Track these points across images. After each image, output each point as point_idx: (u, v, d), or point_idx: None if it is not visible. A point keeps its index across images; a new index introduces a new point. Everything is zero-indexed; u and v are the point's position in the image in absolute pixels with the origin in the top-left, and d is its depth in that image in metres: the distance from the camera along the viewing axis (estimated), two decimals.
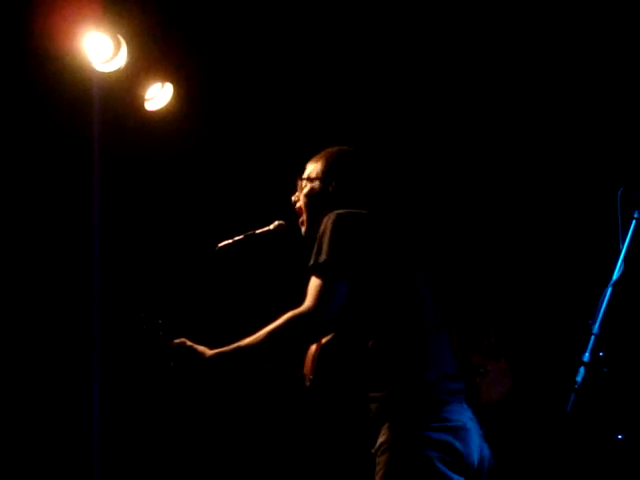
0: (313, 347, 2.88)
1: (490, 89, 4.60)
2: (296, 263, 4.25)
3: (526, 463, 3.86)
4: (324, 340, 2.79)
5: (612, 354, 2.76)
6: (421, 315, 2.70)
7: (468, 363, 3.97)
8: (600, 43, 4.31)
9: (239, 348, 2.65)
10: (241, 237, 3.06)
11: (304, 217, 2.95)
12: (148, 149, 4.60)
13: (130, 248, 4.68)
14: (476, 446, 2.64)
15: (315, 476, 4.36)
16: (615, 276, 2.81)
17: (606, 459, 3.73)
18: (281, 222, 3.07)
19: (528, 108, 4.55)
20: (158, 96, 4.36)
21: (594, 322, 2.78)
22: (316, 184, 2.92)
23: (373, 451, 2.62)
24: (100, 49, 4.07)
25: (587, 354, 2.76)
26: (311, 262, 2.65)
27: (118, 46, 4.08)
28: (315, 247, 2.66)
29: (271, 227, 3.07)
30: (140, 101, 4.32)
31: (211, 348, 2.74)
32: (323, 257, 2.61)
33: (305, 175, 2.96)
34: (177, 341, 2.75)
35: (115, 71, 4.15)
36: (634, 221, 2.84)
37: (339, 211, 2.70)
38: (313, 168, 2.95)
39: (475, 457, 2.63)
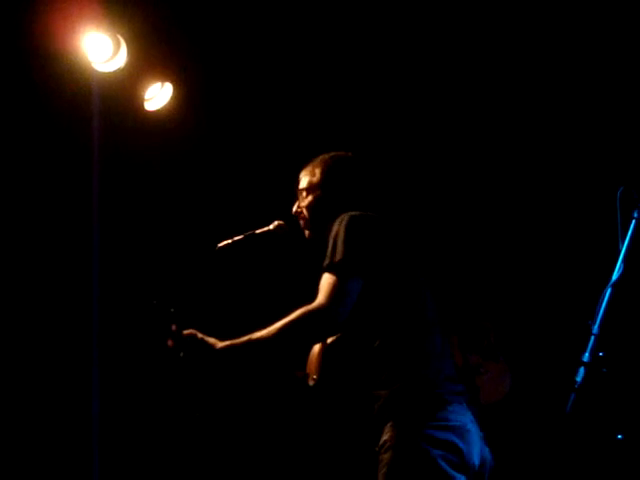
0: (317, 347, 2.89)
1: (489, 90, 4.60)
2: (295, 263, 4.27)
3: (526, 463, 3.86)
4: (329, 340, 2.80)
5: (612, 354, 2.77)
6: (424, 316, 2.74)
7: (468, 364, 3.98)
8: (600, 43, 4.31)
9: (251, 341, 2.65)
10: (241, 237, 3.07)
11: (308, 224, 2.98)
12: (147, 149, 4.60)
13: (129, 248, 4.67)
14: (477, 448, 2.66)
15: (318, 475, 4.35)
16: (615, 276, 2.81)
17: (606, 459, 3.73)
18: (280, 222, 3.08)
19: (527, 109, 4.55)
20: (157, 96, 4.36)
21: (594, 322, 2.79)
22: (316, 193, 2.95)
23: (377, 449, 2.63)
24: (100, 49, 4.06)
25: (587, 354, 2.77)
26: (326, 262, 2.67)
27: (118, 46, 4.08)
28: (329, 247, 2.69)
29: (271, 227, 3.08)
30: (140, 101, 4.31)
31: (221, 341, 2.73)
32: (339, 256, 2.65)
33: (304, 185, 2.98)
34: (187, 332, 2.72)
35: (115, 71, 4.14)
36: (634, 221, 2.84)
37: (351, 213, 2.75)
38: (310, 177, 2.97)
39: (476, 459, 2.65)
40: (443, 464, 2.55)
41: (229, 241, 3.06)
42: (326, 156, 3.00)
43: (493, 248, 4.60)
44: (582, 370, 2.76)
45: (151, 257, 4.67)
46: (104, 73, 4.17)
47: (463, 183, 4.69)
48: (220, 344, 2.70)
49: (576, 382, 2.75)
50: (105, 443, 4.52)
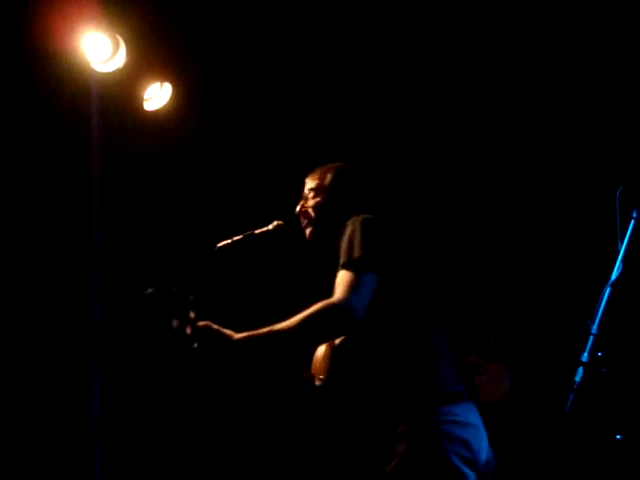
0: (322, 348, 2.91)
1: (489, 91, 4.60)
2: (295, 263, 4.27)
3: (525, 463, 3.86)
4: (337, 341, 2.81)
5: (610, 354, 2.77)
6: (431, 316, 2.79)
7: (467, 364, 3.98)
8: (600, 43, 4.31)
9: (271, 332, 2.66)
10: (240, 237, 3.07)
11: (311, 224, 3.02)
12: (147, 149, 4.60)
13: (129, 247, 4.67)
14: (485, 445, 2.70)
15: (322, 473, 4.35)
16: (614, 276, 2.81)
17: (605, 459, 3.73)
18: (280, 222, 3.09)
19: (527, 109, 4.55)
20: (157, 96, 4.36)
21: (592, 322, 2.79)
22: (325, 195, 3.01)
23: (386, 443, 2.65)
24: (99, 49, 4.06)
25: (586, 354, 2.77)
26: (344, 259, 2.71)
27: (117, 46, 4.08)
28: (346, 246, 2.73)
29: (270, 227, 3.08)
30: (139, 101, 4.31)
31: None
32: (357, 253, 2.69)
33: (313, 186, 3.04)
34: (202, 323, 2.72)
35: (114, 71, 4.14)
36: (633, 221, 2.84)
37: (365, 215, 2.81)
38: (320, 180, 3.05)
39: (484, 456, 2.68)
40: (455, 459, 2.59)
41: (228, 241, 3.06)
42: (336, 164, 3.09)
43: (492, 248, 4.60)
44: (581, 370, 2.76)
45: (150, 257, 4.66)
46: (103, 73, 4.17)
47: (463, 183, 4.69)
48: (238, 335, 2.69)
49: (575, 382, 2.75)
50: (105, 443, 4.52)
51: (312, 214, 3.01)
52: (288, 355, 2.84)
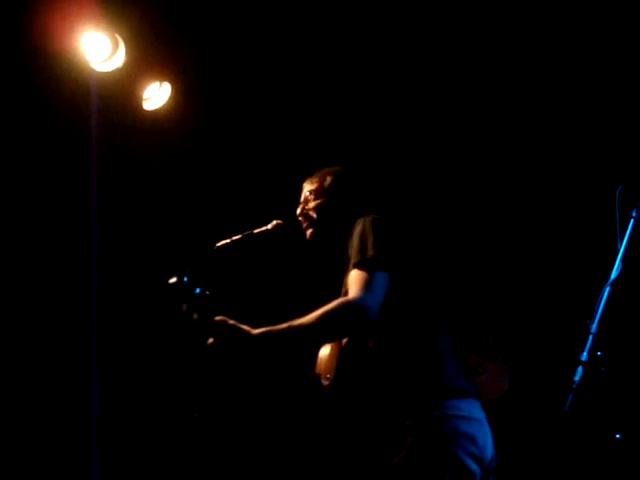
0: (327, 348, 2.91)
1: (489, 92, 4.60)
2: (294, 263, 4.27)
3: (524, 463, 3.86)
4: (344, 341, 2.82)
5: (610, 353, 2.77)
6: (435, 314, 2.81)
7: (466, 363, 3.98)
8: (600, 43, 4.31)
9: (291, 327, 2.66)
10: (239, 237, 3.07)
11: (313, 225, 3.04)
12: (146, 148, 4.60)
13: (127, 247, 4.67)
14: (490, 442, 2.71)
15: (327, 472, 4.35)
16: (613, 275, 2.81)
17: (604, 458, 3.73)
18: (279, 222, 3.09)
19: (527, 109, 4.55)
20: (156, 95, 4.36)
21: (592, 321, 2.79)
22: (326, 197, 3.04)
23: (394, 437, 2.65)
24: (98, 48, 4.07)
25: (585, 353, 2.77)
26: (357, 258, 2.72)
27: (116, 45, 4.08)
28: (358, 245, 2.74)
29: (269, 227, 3.08)
30: (138, 100, 4.32)
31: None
32: (370, 252, 2.71)
33: (314, 188, 3.07)
34: (218, 318, 2.72)
35: (113, 70, 4.15)
36: (632, 220, 2.84)
37: (373, 215, 2.83)
38: (322, 182, 3.08)
39: (489, 453, 2.70)
40: (461, 453, 2.61)
41: (227, 241, 3.06)
42: (334, 168, 3.13)
43: (492, 248, 4.60)
44: (580, 369, 2.76)
45: (150, 257, 4.66)
46: (102, 73, 4.17)
47: (462, 184, 4.69)
48: (256, 331, 2.69)
49: (574, 381, 2.75)
50: (104, 443, 4.52)
51: (314, 215, 3.03)
52: (292, 355, 2.85)
